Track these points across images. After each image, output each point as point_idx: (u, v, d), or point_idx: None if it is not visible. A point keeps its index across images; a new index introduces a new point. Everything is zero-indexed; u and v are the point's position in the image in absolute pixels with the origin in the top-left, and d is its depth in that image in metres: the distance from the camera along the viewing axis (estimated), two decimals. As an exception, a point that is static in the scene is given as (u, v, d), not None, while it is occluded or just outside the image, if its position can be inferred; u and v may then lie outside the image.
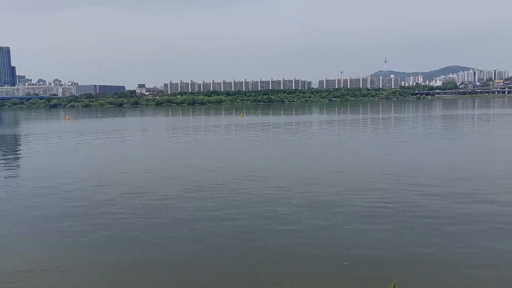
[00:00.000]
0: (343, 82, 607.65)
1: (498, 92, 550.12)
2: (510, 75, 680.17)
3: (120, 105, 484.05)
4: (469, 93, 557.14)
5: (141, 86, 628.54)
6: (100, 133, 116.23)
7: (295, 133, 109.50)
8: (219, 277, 23.51)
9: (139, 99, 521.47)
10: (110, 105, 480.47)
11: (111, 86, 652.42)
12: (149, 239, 29.00)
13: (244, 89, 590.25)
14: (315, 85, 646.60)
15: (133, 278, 23.58)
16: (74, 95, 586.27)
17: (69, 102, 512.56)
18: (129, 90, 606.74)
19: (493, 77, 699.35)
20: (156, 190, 43.07)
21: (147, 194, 41.52)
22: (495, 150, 66.56)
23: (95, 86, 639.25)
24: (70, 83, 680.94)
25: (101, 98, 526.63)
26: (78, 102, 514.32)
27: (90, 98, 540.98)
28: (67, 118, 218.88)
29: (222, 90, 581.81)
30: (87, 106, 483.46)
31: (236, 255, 26.27)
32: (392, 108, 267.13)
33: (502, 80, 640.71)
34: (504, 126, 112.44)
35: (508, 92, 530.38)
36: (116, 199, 39.76)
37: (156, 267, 24.78)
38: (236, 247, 27.41)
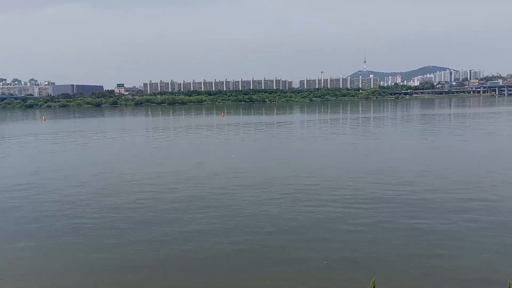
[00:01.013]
0: (323, 82, 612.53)
1: (474, 91, 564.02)
2: (485, 75, 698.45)
3: (99, 105, 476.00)
4: (446, 92, 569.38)
5: (120, 85, 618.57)
6: (78, 134, 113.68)
7: (277, 133, 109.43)
8: (194, 279, 22.99)
9: (118, 99, 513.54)
10: (88, 105, 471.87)
11: (89, 85, 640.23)
12: (126, 239, 28.20)
13: (225, 89, 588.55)
14: (296, 85, 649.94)
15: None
16: (50, 95, 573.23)
17: (46, 102, 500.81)
18: (108, 90, 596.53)
19: (468, 77, 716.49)
20: (131, 190, 42.09)
21: (122, 194, 40.51)
22: (472, 149, 67.81)
23: (72, 85, 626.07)
24: (46, 83, 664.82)
25: (79, 98, 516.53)
26: (55, 102, 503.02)
27: (68, 98, 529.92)
28: (43, 118, 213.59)
29: (203, 90, 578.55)
30: (64, 106, 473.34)
31: (211, 257, 25.75)
32: (372, 108, 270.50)
33: (477, 80, 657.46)
34: (479, 126, 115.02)
35: (483, 92, 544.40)
36: (88, 200, 38.66)
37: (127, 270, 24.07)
38: (211, 249, 26.90)
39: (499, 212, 32.95)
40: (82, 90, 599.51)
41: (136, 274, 23.99)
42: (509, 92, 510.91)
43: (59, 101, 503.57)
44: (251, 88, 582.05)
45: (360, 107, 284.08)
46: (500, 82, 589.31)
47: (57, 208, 37.01)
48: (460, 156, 60.35)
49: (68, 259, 26.22)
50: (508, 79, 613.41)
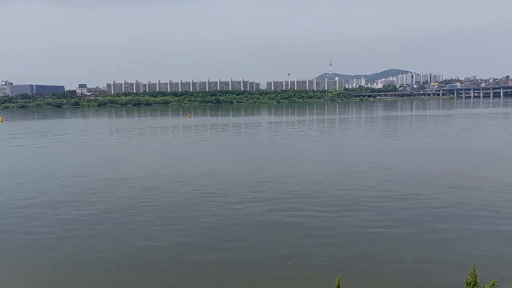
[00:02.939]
0: (290, 84, 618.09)
1: (434, 94, 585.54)
2: (444, 78, 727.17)
3: (59, 106, 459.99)
4: (408, 95, 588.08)
5: (82, 86, 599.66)
6: (38, 136, 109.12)
7: (244, 134, 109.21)
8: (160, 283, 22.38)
9: (80, 100, 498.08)
10: (49, 106, 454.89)
11: (49, 86, 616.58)
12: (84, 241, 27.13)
13: (191, 90, 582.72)
14: (263, 87, 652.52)
15: None
16: (8, 95, 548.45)
17: (3, 103, 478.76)
18: (69, 91, 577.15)
19: (429, 80, 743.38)
20: (88, 201, 40.74)
21: (88, 196, 39.17)
22: (435, 150, 70.07)
23: (31, 86, 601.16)
24: (3, 83, 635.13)
25: (38, 99, 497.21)
26: (13, 103, 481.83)
27: (26, 98, 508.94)
28: (0, 119, 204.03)
29: (168, 91, 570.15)
30: (23, 107, 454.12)
31: (178, 261, 25.19)
32: (337, 109, 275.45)
33: (436, 83, 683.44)
34: (438, 128, 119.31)
35: (443, 94, 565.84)
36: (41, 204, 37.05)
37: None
38: (177, 254, 26.33)
39: (453, 205, 34.13)
40: (42, 90, 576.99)
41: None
42: (466, 95, 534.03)
43: (17, 102, 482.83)
44: (218, 89, 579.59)
45: (326, 109, 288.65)
46: (458, 85, 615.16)
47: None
48: (419, 157, 62.22)
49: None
50: (466, 82, 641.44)
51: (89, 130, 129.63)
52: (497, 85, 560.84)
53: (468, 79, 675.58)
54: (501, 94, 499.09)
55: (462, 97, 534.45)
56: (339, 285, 17.04)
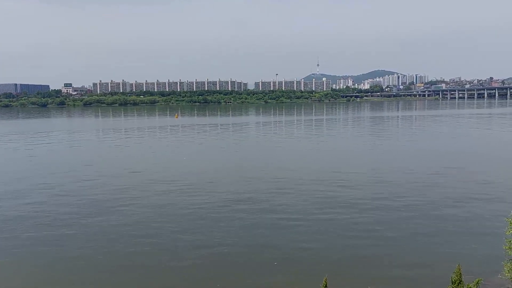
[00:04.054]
0: (278, 84, 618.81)
1: (419, 95, 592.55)
2: (429, 79, 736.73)
3: (44, 105, 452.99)
4: (394, 96, 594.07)
5: (68, 85, 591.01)
6: (22, 135, 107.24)
7: (232, 134, 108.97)
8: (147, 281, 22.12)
9: (66, 99, 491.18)
10: (33, 105, 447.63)
11: (34, 85, 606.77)
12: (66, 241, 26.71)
13: (179, 90, 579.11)
14: (251, 87, 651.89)
15: None
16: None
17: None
18: (54, 90, 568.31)
19: (414, 81, 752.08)
20: (75, 194, 40.19)
21: (73, 196, 38.58)
22: (421, 150, 70.83)
23: (16, 85, 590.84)
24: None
25: (23, 98, 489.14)
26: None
27: (10, 97, 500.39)
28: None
29: (156, 91, 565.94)
30: (7, 106, 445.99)
31: (162, 263, 24.93)
32: (324, 110, 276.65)
33: (422, 84, 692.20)
34: (424, 128, 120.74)
35: (428, 95, 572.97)
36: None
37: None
38: (162, 256, 26.07)
39: (438, 205, 34.52)
40: (27, 89, 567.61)
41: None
42: (451, 96, 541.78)
43: (0, 101, 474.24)
44: (206, 89, 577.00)
45: (313, 109, 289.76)
46: (444, 86, 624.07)
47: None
48: (404, 157, 62.83)
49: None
50: (451, 84, 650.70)
51: (74, 131, 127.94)
52: (481, 87, 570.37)
53: (453, 80, 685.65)
54: (485, 95, 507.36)
55: (447, 98, 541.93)
56: (326, 285, 17.04)
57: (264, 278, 23.05)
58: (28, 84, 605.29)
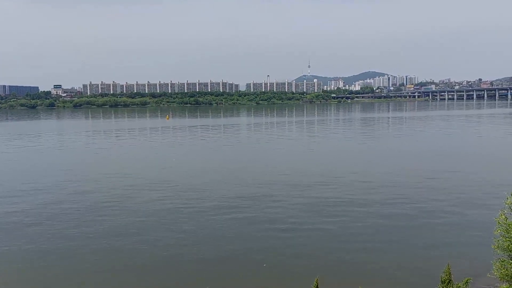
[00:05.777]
0: (270, 85, 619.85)
1: (410, 96, 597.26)
2: (419, 81, 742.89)
3: (34, 107, 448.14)
4: (384, 97, 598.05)
5: (57, 87, 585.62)
6: (11, 137, 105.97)
7: (223, 135, 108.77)
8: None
9: (55, 101, 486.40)
10: (22, 107, 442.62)
11: (23, 86, 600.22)
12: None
13: (170, 91, 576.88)
14: (242, 88, 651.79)
15: None
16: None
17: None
18: (44, 91, 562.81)
19: (405, 83, 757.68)
20: (65, 198, 39.83)
21: (65, 201, 38.22)
22: (411, 151, 71.39)
23: (4, 86, 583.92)
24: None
25: (12, 100, 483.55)
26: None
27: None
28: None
29: (146, 92, 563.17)
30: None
31: (152, 263, 24.79)
32: (316, 111, 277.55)
33: (412, 85, 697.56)
34: (415, 129, 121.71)
35: (418, 96, 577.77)
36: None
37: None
38: (151, 256, 25.93)
39: (428, 205, 34.78)
40: (15, 91, 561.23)
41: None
42: (441, 97, 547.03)
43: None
44: (197, 90, 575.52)
45: (305, 110, 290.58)
46: (433, 87, 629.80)
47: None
48: (393, 159, 63.25)
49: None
50: (440, 85, 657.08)
51: (64, 133, 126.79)
52: (470, 88, 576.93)
53: (443, 82, 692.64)
54: (474, 96, 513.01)
55: (437, 99, 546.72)
56: (317, 285, 17.05)
57: (253, 279, 23.04)
58: (17, 86, 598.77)
